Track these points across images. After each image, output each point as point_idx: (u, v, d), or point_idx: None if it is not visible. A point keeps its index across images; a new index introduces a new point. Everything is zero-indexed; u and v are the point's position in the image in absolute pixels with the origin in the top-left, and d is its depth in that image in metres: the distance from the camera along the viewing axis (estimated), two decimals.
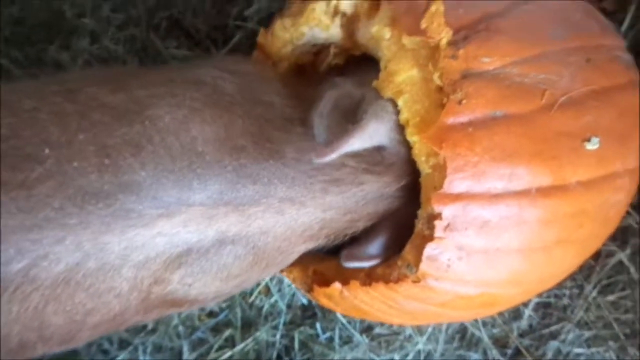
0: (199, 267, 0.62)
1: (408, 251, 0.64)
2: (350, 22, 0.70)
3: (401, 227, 0.67)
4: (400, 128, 0.64)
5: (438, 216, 0.59)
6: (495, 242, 0.61)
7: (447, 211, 0.59)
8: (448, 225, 0.59)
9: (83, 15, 1.07)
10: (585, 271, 1.02)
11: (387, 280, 0.65)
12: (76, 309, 0.59)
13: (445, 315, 0.70)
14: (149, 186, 0.58)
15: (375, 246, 0.68)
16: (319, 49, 0.77)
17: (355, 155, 0.65)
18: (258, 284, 1.04)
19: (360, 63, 0.74)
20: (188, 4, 1.08)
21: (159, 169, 0.58)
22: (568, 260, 0.68)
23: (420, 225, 0.63)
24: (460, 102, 0.58)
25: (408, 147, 0.65)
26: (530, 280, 0.67)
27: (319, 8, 0.70)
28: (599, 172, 0.62)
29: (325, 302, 0.74)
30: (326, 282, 0.71)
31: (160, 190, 0.58)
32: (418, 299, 0.66)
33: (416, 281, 0.63)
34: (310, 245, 0.69)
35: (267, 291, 1.05)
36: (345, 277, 0.69)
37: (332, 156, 0.62)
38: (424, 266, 0.61)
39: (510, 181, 0.59)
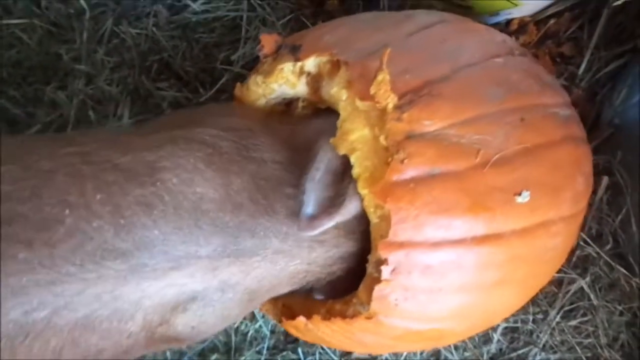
0: (202, 310, 0.68)
1: (361, 291, 0.70)
2: (314, 80, 0.77)
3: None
4: None
5: (385, 261, 0.66)
6: (437, 283, 0.67)
7: (392, 257, 0.65)
8: (394, 269, 0.66)
9: (79, 58, 1.14)
10: (549, 298, 1.07)
11: (344, 316, 0.71)
12: (89, 350, 0.63)
13: (397, 347, 0.76)
14: (161, 242, 0.62)
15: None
16: (290, 101, 0.84)
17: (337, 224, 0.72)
18: None
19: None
20: (178, 49, 1.15)
21: (169, 226, 0.63)
22: (509, 299, 0.75)
23: (370, 269, 0.69)
24: (402, 161, 0.65)
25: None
26: (473, 316, 0.73)
27: (287, 68, 0.77)
28: (532, 221, 0.69)
29: (293, 332, 0.81)
30: (293, 315, 0.77)
31: (171, 246, 0.63)
32: (372, 332, 0.72)
33: (369, 318, 0.69)
34: (292, 288, 0.76)
35: (252, 317, 1.10)
36: (309, 312, 0.75)
37: (314, 233, 0.70)
38: (374, 305, 0.68)
39: (448, 231, 0.65)
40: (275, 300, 0.81)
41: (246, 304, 0.72)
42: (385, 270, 0.66)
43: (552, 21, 1.05)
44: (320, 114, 0.81)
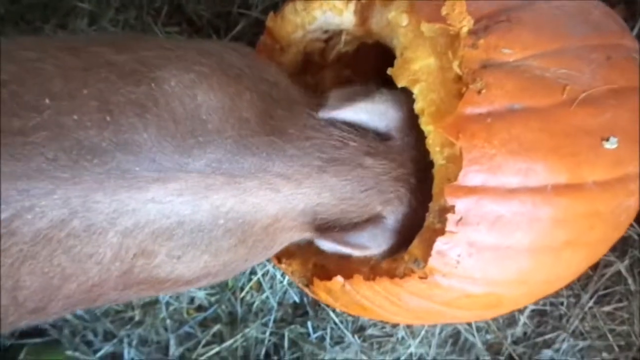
0: (189, 239, 0.60)
1: (416, 246, 0.62)
2: (364, 9, 0.68)
3: (399, 234, 0.67)
4: (412, 123, 0.64)
5: (451, 209, 0.58)
6: (506, 239, 0.60)
7: (461, 204, 0.58)
8: (461, 219, 0.58)
9: None
10: (582, 280, 1.01)
11: (392, 276, 0.64)
12: (53, 272, 0.56)
13: (447, 315, 0.68)
14: (149, 148, 0.56)
15: (357, 237, 0.67)
16: (330, 37, 0.76)
17: (359, 135, 0.65)
18: (250, 279, 1.03)
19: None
20: None
21: (161, 132, 0.57)
22: (575, 263, 0.67)
23: (431, 219, 0.61)
24: (479, 92, 0.57)
25: (413, 143, 0.65)
26: (536, 281, 0.66)
27: None
28: (615, 173, 0.62)
29: (324, 296, 0.73)
30: (327, 276, 0.69)
31: (160, 154, 0.57)
32: (423, 295, 0.64)
33: (423, 277, 0.61)
34: (296, 236, 0.68)
35: (259, 287, 1.03)
36: (349, 271, 0.67)
37: (338, 112, 0.64)
38: (432, 261, 0.60)
39: (527, 176, 0.58)
40: (305, 259, 0.73)
41: (239, 239, 0.64)
42: (451, 220, 0.58)
43: None
44: None
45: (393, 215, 0.67)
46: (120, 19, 1.05)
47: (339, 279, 0.67)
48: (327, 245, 0.67)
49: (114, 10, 1.05)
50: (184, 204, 0.58)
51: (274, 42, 0.76)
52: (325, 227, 0.67)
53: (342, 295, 0.69)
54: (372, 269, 0.66)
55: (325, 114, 0.64)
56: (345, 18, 0.70)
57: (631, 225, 0.96)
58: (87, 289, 0.59)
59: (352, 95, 0.66)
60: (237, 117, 0.61)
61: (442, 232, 0.59)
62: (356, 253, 0.67)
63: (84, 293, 0.60)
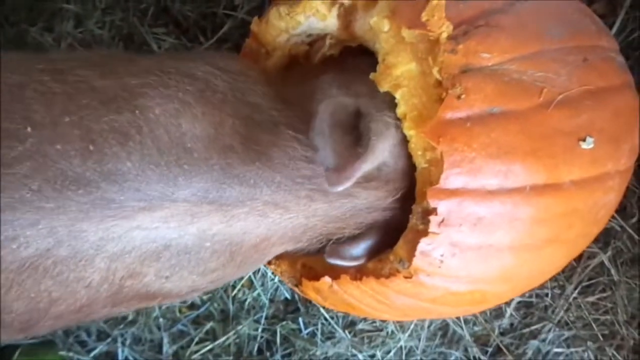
0: (176, 260, 0.60)
1: (401, 246, 0.63)
2: (347, 13, 0.69)
3: (388, 230, 0.67)
4: (402, 143, 0.64)
5: (433, 211, 0.59)
6: (488, 239, 0.61)
7: (443, 206, 0.59)
8: (443, 220, 0.59)
9: None
10: (566, 272, 1.02)
11: (378, 275, 0.65)
12: (40, 297, 0.56)
13: (434, 311, 0.70)
14: (133, 177, 0.56)
15: (360, 249, 0.68)
16: (314, 39, 0.76)
17: None
18: (241, 277, 1.03)
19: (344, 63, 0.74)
20: None
21: (145, 160, 0.56)
22: (556, 260, 0.69)
23: (414, 220, 0.62)
24: (459, 97, 0.58)
25: (407, 158, 0.65)
26: (519, 277, 0.67)
27: None
28: (592, 172, 0.63)
29: (313, 296, 0.74)
30: (315, 276, 0.70)
31: (144, 183, 0.56)
32: (409, 294, 0.65)
33: (408, 277, 0.63)
34: (289, 247, 0.69)
35: (250, 284, 1.04)
36: (336, 272, 0.68)
37: (348, 184, 0.60)
38: (417, 261, 0.61)
39: (506, 178, 0.59)
40: (293, 260, 0.73)
41: (227, 259, 0.64)
42: (434, 222, 0.59)
43: None
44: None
45: (389, 220, 0.68)
46: (107, 21, 1.04)
47: (326, 279, 0.68)
48: (334, 262, 0.68)
49: (100, 12, 1.04)
50: (171, 229, 0.58)
51: (259, 46, 0.76)
52: (318, 240, 0.68)
53: (330, 294, 0.70)
54: (358, 270, 0.67)
55: (334, 188, 0.61)
56: (328, 22, 0.70)
57: (613, 217, 0.98)
58: (76, 310, 0.60)
59: (351, 153, 0.62)
60: (221, 145, 0.60)
61: (425, 233, 0.60)
62: (353, 264, 0.68)
63: (73, 313, 0.60)
